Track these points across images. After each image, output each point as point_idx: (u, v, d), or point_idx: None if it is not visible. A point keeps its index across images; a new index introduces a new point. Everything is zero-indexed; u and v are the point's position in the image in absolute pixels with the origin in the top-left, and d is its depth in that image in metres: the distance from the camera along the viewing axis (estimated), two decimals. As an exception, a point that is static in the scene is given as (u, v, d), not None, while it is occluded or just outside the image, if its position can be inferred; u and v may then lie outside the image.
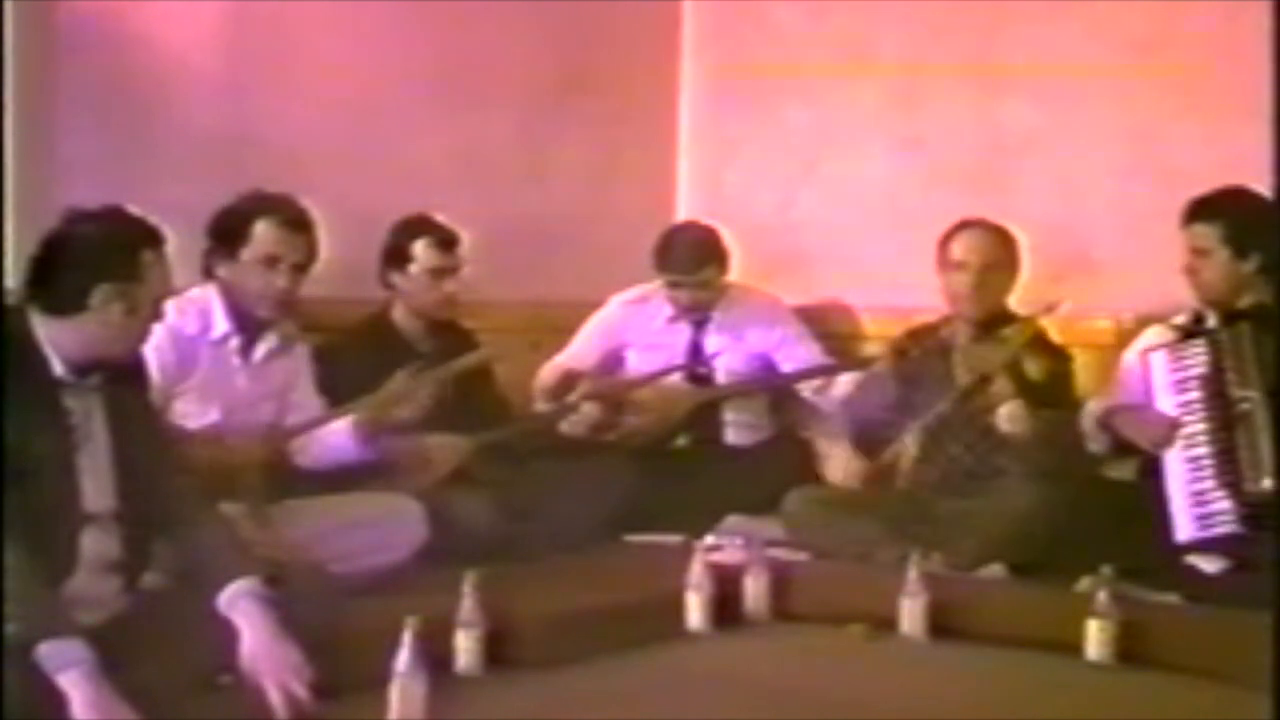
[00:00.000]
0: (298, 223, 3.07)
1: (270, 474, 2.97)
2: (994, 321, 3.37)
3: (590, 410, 3.61)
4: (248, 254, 3.03)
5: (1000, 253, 3.41)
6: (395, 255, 3.49)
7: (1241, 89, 3.51)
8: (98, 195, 2.49)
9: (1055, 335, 3.47)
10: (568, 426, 3.58)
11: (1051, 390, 3.24)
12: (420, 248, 3.46)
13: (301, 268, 3.06)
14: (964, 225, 3.45)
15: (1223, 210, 3.10)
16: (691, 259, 3.81)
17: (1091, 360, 3.51)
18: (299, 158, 3.65)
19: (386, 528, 3.01)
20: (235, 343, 3.06)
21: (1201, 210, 3.12)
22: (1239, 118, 3.52)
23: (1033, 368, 3.23)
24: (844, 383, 3.77)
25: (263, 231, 3.03)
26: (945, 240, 3.44)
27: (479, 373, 3.49)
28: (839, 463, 3.42)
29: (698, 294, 3.83)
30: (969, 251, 3.40)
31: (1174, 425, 3.01)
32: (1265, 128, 3.29)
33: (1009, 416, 3.22)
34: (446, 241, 3.49)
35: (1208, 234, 3.09)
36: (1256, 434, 2.94)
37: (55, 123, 3.39)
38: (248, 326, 3.07)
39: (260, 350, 3.10)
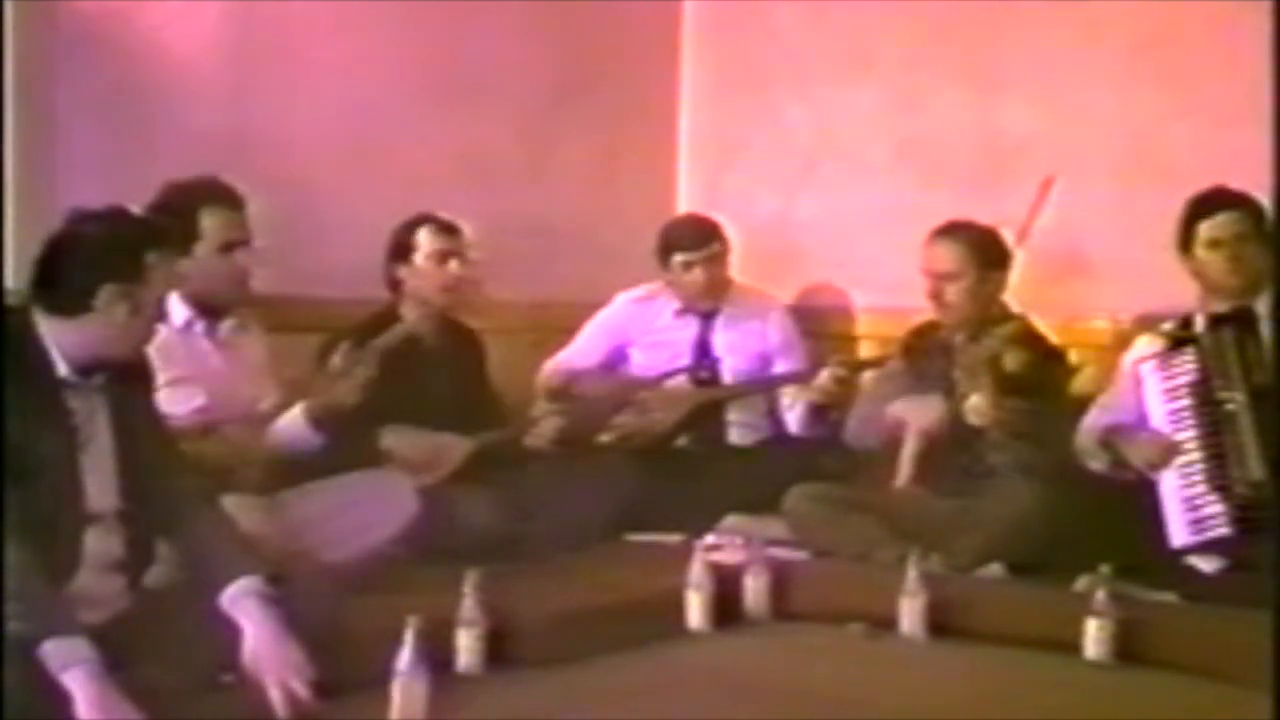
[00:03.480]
0: (238, 203, 3.11)
1: (267, 464, 2.99)
2: (990, 320, 3.37)
3: (552, 424, 3.56)
4: (202, 247, 3.05)
5: (964, 261, 3.39)
6: (400, 249, 3.52)
7: (1241, 89, 3.50)
8: (99, 195, 2.48)
9: (1053, 336, 3.47)
10: (531, 440, 3.53)
11: (1028, 384, 3.24)
12: (423, 235, 3.50)
13: (249, 243, 3.11)
14: (933, 234, 3.45)
15: (1251, 201, 3.10)
16: (697, 233, 3.85)
17: (1089, 361, 3.50)
18: (301, 158, 3.65)
19: (376, 506, 3.00)
20: (199, 327, 3.10)
21: (1235, 199, 3.11)
22: (1239, 118, 3.51)
23: (1011, 361, 3.23)
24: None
25: (212, 221, 3.05)
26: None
27: (473, 371, 3.50)
28: (925, 406, 3.36)
29: (711, 272, 3.83)
30: (928, 261, 3.43)
31: (1170, 448, 3.01)
32: (1265, 128, 3.28)
33: (973, 409, 3.24)
34: (447, 228, 3.52)
35: (1244, 221, 3.09)
36: (1241, 435, 2.95)
37: (57, 123, 3.39)
38: (207, 312, 3.11)
39: (224, 328, 3.14)
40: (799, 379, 3.80)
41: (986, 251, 3.43)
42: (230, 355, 3.13)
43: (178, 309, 3.05)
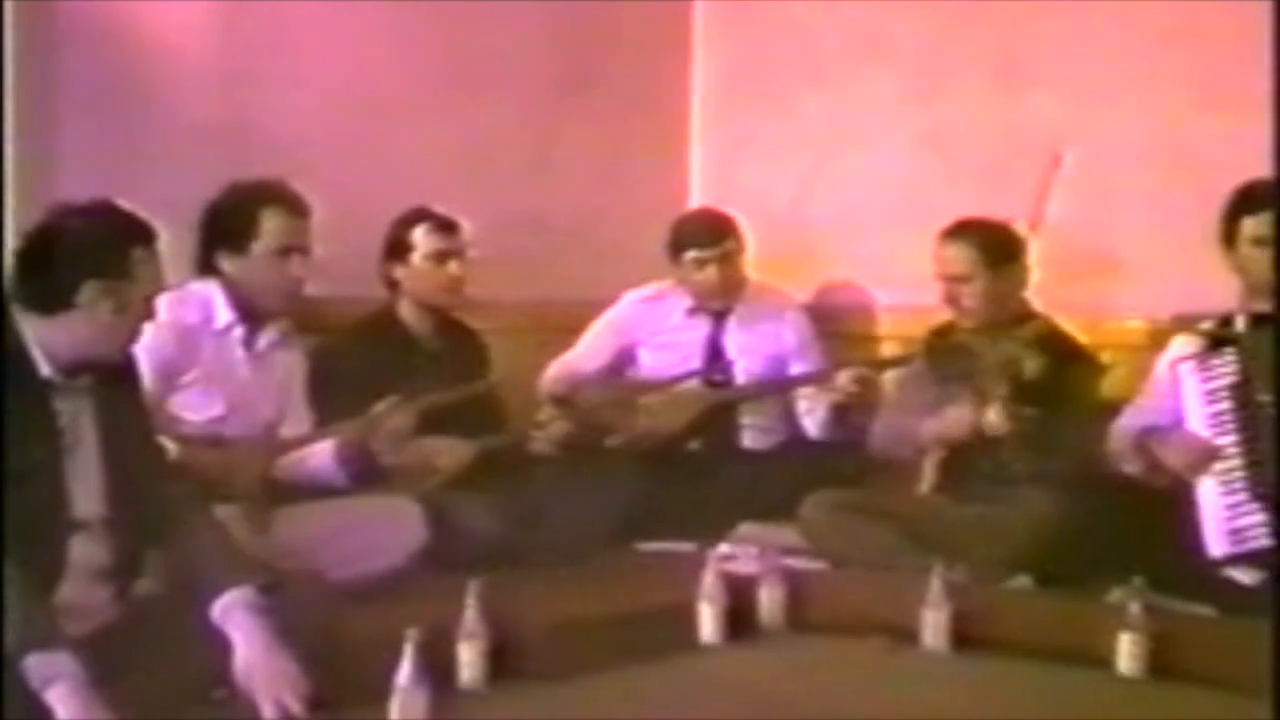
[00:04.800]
0: (303, 209, 3.10)
1: (269, 479, 2.95)
2: (1012, 319, 3.31)
3: (560, 428, 3.50)
4: (259, 247, 3.05)
5: (975, 262, 3.32)
6: (396, 248, 3.49)
7: (1270, 81, 3.42)
8: (95, 191, 2.45)
9: (1080, 336, 3.41)
10: (540, 444, 3.47)
11: (1048, 390, 3.18)
12: (420, 233, 3.47)
13: (307, 253, 3.09)
14: (941, 235, 3.39)
15: None
16: (711, 230, 3.79)
17: (1124, 362, 3.44)
18: (299, 153, 3.62)
19: (383, 530, 2.99)
20: (238, 333, 3.07)
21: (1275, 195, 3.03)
22: (1268, 110, 3.42)
23: (1030, 368, 3.18)
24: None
25: (273, 223, 3.06)
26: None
27: (474, 372, 3.45)
28: (955, 415, 3.28)
29: (725, 271, 3.76)
30: (939, 264, 3.37)
31: (1209, 451, 2.93)
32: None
33: (987, 422, 3.19)
34: (445, 225, 3.49)
35: None
36: None
37: (54, 119, 3.40)
38: (251, 317, 3.08)
39: (263, 340, 3.11)
40: (817, 379, 3.73)
41: (997, 249, 3.37)
42: (262, 369, 3.09)
43: (221, 310, 3.04)
